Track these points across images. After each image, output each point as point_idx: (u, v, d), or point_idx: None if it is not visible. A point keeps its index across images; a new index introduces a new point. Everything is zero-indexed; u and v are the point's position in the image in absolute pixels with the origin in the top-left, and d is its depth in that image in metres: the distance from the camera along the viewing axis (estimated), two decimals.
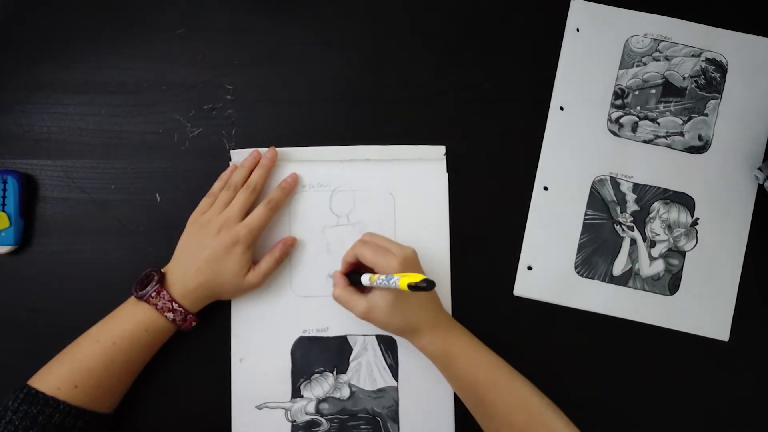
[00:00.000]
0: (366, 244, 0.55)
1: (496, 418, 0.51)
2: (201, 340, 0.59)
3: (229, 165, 0.60)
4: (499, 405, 0.51)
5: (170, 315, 0.53)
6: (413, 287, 0.45)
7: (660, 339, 0.61)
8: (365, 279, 0.53)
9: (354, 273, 0.56)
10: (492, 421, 0.52)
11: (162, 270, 0.56)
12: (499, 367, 0.53)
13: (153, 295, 0.53)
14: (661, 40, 0.64)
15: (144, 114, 0.62)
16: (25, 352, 0.59)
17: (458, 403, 0.58)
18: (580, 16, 0.64)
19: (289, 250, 0.59)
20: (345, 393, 0.59)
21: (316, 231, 0.60)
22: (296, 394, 0.59)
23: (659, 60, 0.64)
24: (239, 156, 0.60)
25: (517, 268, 0.61)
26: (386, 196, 0.61)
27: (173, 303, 0.53)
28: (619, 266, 0.62)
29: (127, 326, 0.53)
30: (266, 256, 0.57)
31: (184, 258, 0.56)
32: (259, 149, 0.60)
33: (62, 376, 0.51)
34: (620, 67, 0.64)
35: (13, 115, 0.61)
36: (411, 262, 0.53)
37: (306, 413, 0.58)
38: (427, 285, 0.45)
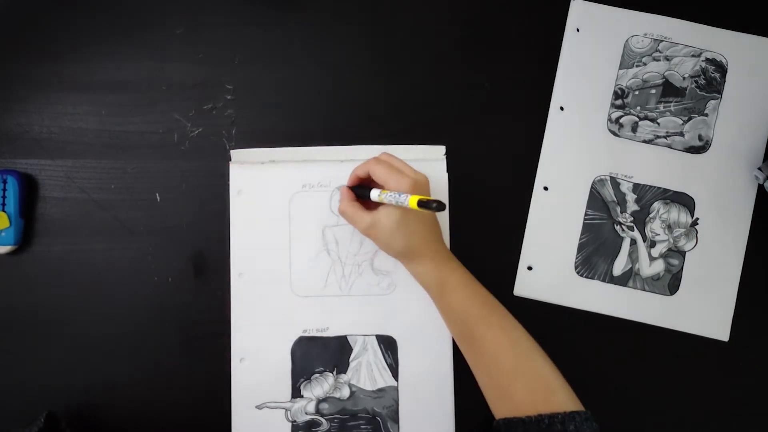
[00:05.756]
0: (380, 162, 0.54)
1: (484, 355, 0.52)
2: (201, 340, 0.59)
3: (229, 165, 0.60)
4: (489, 341, 0.51)
5: None
6: (423, 204, 0.45)
7: (660, 339, 0.61)
8: (374, 193, 0.52)
9: (361, 188, 0.55)
10: (480, 357, 0.52)
11: None
12: (493, 305, 0.53)
13: None
14: (661, 40, 0.64)
15: (144, 114, 0.62)
16: (25, 352, 0.59)
17: (458, 403, 0.59)
18: (580, 16, 0.64)
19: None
20: (345, 393, 0.59)
21: (315, 231, 0.60)
22: (296, 394, 0.59)
23: (659, 60, 0.64)
24: (239, 156, 0.60)
25: (517, 268, 0.61)
26: None
27: None
28: (619, 266, 0.62)
29: None
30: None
31: None
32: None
33: None
34: (620, 67, 0.64)
35: (13, 115, 0.61)
36: (422, 187, 0.53)
37: (306, 413, 0.58)
38: (437, 205, 0.45)
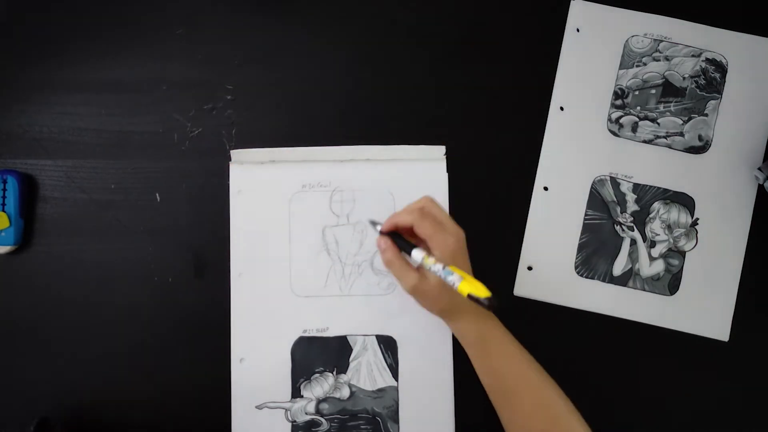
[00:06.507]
0: (426, 216, 0.52)
1: (520, 413, 0.51)
2: (201, 340, 0.59)
3: (229, 165, 0.60)
4: (525, 400, 0.51)
5: None
6: (474, 299, 0.44)
7: (660, 339, 0.61)
8: (417, 256, 0.50)
9: (401, 239, 0.53)
10: (514, 414, 0.52)
11: None
12: (531, 363, 0.53)
13: None
14: (661, 40, 0.64)
15: (144, 114, 0.62)
16: (24, 351, 0.59)
17: (458, 403, 0.59)
18: (580, 16, 0.64)
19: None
20: (345, 393, 0.59)
21: (316, 231, 0.60)
22: (296, 394, 0.59)
23: (659, 60, 0.64)
24: (239, 156, 0.60)
25: (517, 268, 0.61)
26: (386, 196, 0.61)
27: None
28: (619, 266, 0.62)
29: None
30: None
31: None
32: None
33: None
34: (620, 67, 0.64)
35: (13, 115, 0.61)
36: (462, 246, 0.52)
37: (306, 413, 0.58)
38: (489, 303, 0.44)
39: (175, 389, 0.59)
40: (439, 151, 0.61)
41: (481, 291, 0.45)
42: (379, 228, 0.54)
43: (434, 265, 0.49)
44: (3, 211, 0.59)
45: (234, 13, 0.63)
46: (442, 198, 0.60)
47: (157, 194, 0.61)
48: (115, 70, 0.62)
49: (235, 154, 0.61)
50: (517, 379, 0.52)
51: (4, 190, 0.59)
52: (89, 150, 0.61)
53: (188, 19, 0.63)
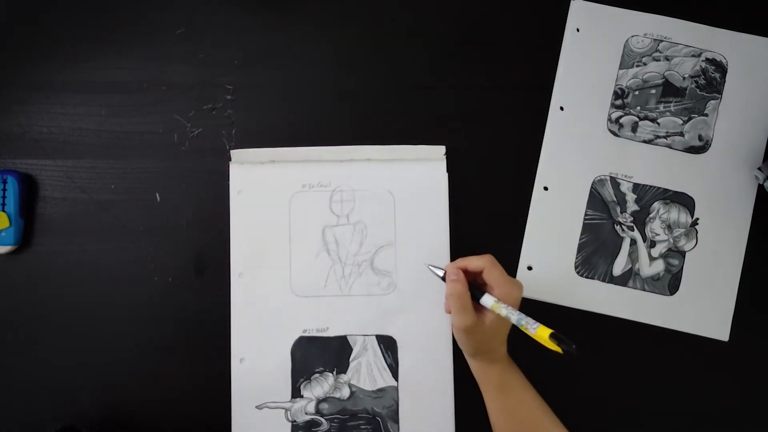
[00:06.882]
0: (496, 266, 0.53)
1: None
2: (201, 341, 0.59)
3: (229, 165, 0.60)
4: None
5: None
6: (558, 340, 0.45)
7: (660, 339, 0.61)
8: (488, 301, 0.51)
9: (471, 284, 0.54)
10: None
11: None
12: (547, 413, 0.54)
13: None
14: (661, 40, 0.64)
15: (144, 114, 0.62)
16: (25, 352, 0.59)
17: (458, 402, 0.59)
18: (580, 16, 0.64)
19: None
20: (345, 393, 0.59)
21: (316, 231, 0.60)
22: (296, 394, 0.59)
23: (659, 60, 0.64)
24: (239, 156, 0.60)
25: (517, 268, 0.61)
26: (386, 195, 0.61)
27: None
28: (619, 266, 0.62)
29: None
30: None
31: None
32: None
33: None
34: (620, 67, 0.64)
35: (13, 115, 0.61)
36: (520, 299, 0.53)
37: (306, 413, 0.58)
38: (571, 352, 0.45)
39: (176, 389, 0.59)
40: (439, 151, 0.61)
41: (556, 345, 0.46)
42: (439, 272, 0.55)
43: (506, 309, 0.50)
44: (3, 211, 0.59)
45: (234, 13, 0.63)
46: (442, 198, 0.60)
47: (157, 194, 0.61)
48: (115, 70, 0.62)
49: (235, 154, 0.61)
50: (534, 424, 0.53)
51: (4, 190, 0.59)
52: (89, 150, 0.61)
53: (188, 19, 0.63)
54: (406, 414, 0.59)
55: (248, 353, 0.59)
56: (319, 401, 0.59)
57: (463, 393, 0.59)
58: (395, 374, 0.59)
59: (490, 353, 0.54)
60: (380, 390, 0.59)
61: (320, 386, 0.59)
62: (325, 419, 0.58)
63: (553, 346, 0.46)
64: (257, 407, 0.58)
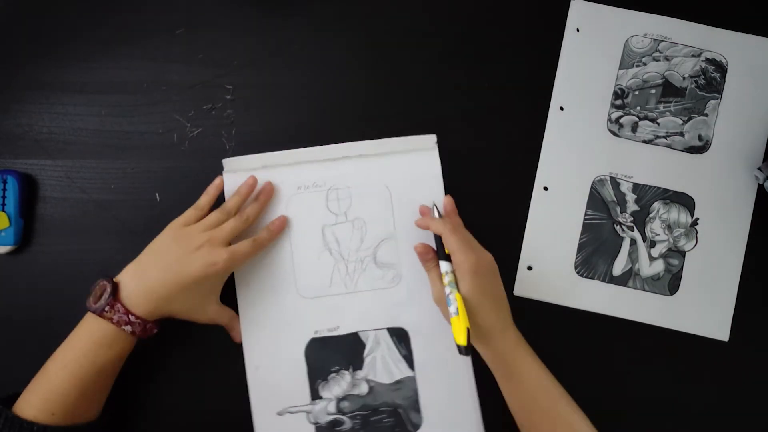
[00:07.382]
0: (456, 232, 0.53)
1: None
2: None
3: (221, 174, 0.60)
4: None
5: (128, 328, 0.51)
6: (458, 344, 0.46)
7: (660, 339, 0.61)
8: (443, 267, 0.52)
9: (438, 240, 0.55)
10: None
11: (115, 279, 0.52)
12: (560, 396, 0.52)
13: (107, 309, 0.50)
14: (661, 40, 0.64)
15: (144, 114, 0.62)
16: (24, 352, 0.59)
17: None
18: (580, 16, 0.64)
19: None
20: (364, 389, 0.59)
21: (315, 231, 0.60)
22: (315, 395, 0.58)
23: (659, 60, 0.64)
24: (231, 165, 0.60)
25: (517, 268, 0.61)
26: (382, 189, 0.60)
27: (129, 315, 0.50)
28: (619, 266, 0.62)
29: (89, 345, 0.51)
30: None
31: (150, 264, 0.53)
32: (254, 175, 0.59)
33: (38, 406, 0.49)
34: (620, 67, 0.64)
35: (13, 115, 0.62)
36: (486, 266, 0.52)
37: (328, 413, 0.58)
38: (459, 351, 0.45)
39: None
40: (431, 140, 0.61)
41: (459, 336, 0.46)
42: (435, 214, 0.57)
43: (447, 279, 0.49)
44: (3, 211, 0.59)
45: (234, 13, 0.63)
46: (438, 186, 0.60)
47: (157, 194, 0.61)
48: (115, 71, 0.62)
49: (227, 163, 0.60)
50: (543, 414, 0.51)
51: (4, 190, 0.59)
52: (89, 150, 0.61)
53: (188, 19, 0.63)
54: (428, 402, 0.58)
55: (262, 360, 0.58)
56: (339, 400, 0.58)
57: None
58: (411, 365, 0.59)
59: (486, 333, 0.52)
60: (398, 382, 0.59)
61: (338, 385, 0.59)
62: (348, 417, 0.58)
63: (457, 337, 0.46)
64: (278, 413, 0.58)
